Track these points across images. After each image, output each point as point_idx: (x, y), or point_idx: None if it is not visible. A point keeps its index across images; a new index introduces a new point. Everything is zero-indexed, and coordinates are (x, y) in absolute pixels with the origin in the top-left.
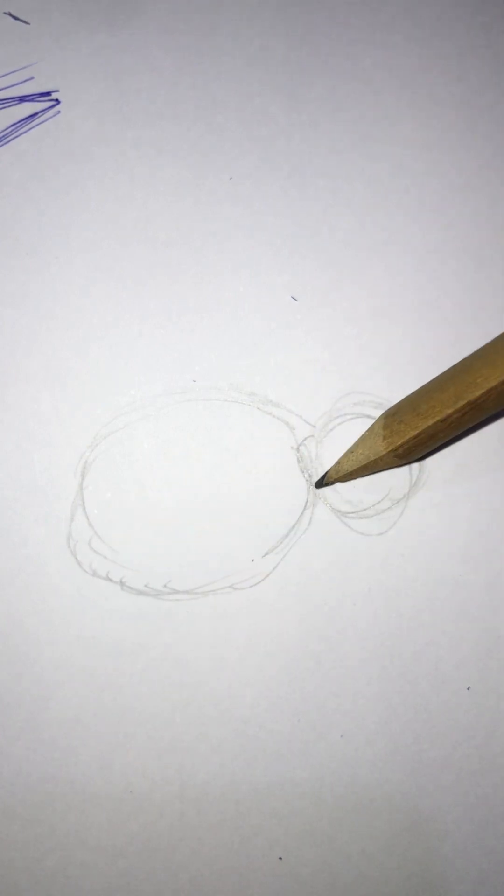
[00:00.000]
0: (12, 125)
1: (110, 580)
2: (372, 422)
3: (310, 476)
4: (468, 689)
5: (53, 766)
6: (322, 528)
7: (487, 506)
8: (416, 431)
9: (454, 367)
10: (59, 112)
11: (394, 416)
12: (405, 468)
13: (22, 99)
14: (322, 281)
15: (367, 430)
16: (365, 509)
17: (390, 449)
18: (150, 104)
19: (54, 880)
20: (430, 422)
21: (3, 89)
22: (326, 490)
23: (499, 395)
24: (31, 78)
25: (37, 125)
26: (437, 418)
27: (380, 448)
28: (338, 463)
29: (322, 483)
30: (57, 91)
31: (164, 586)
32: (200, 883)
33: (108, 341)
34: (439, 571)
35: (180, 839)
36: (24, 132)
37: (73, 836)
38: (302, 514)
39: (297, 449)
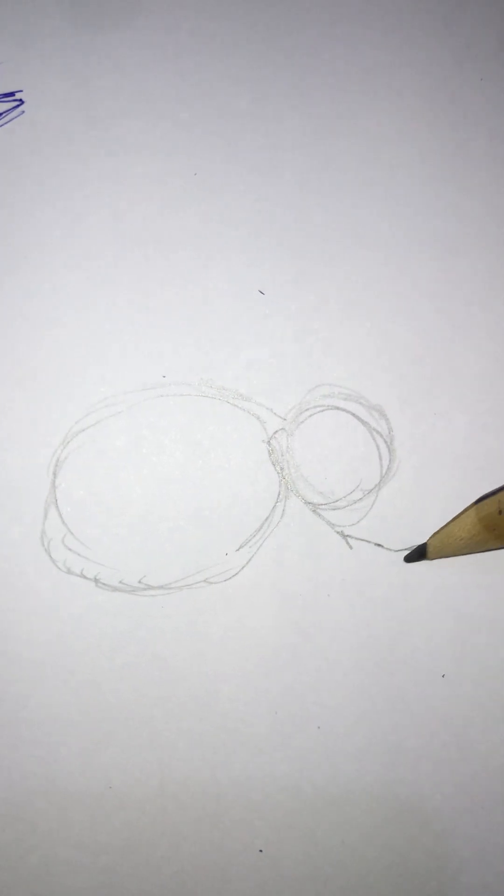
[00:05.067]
0: None
1: (85, 577)
2: (342, 413)
3: (281, 469)
4: (443, 676)
5: (33, 763)
6: (295, 520)
7: (457, 494)
8: None
9: None
10: (23, 112)
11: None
12: (375, 457)
13: None
14: (289, 275)
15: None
16: (337, 500)
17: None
18: (114, 102)
19: (37, 878)
20: None
21: None
22: (298, 482)
23: None
24: None
25: (2, 125)
26: None
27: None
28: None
29: (418, 557)
30: (21, 91)
31: (139, 582)
32: (182, 877)
33: (78, 339)
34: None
35: (161, 834)
36: None
37: (55, 834)
38: (274, 506)
39: (269, 442)
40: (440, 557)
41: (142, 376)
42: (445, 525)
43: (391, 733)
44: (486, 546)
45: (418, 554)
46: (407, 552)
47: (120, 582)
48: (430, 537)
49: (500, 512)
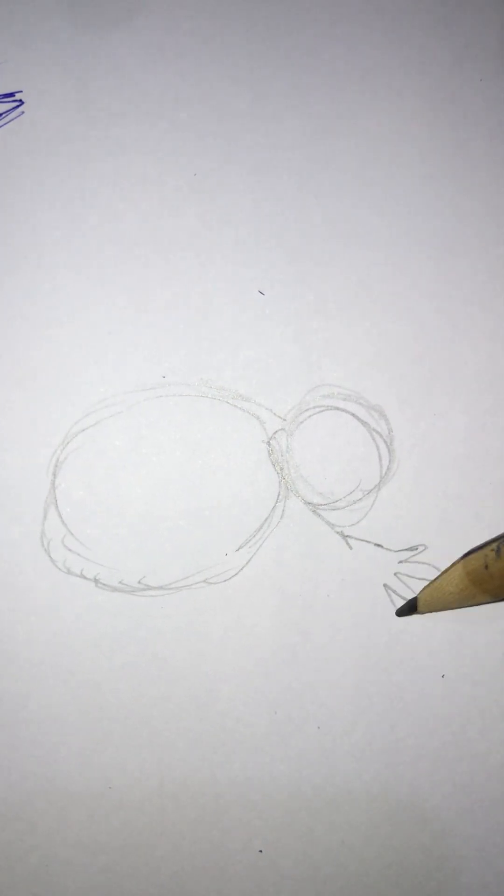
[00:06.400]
0: None
1: (84, 578)
2: (341, 413)
3: (281, 469)
4: (443, 676)
5: (33, 763)
6: (294, 520)
7: (456, 494)
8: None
9: None
10: (23, 112)
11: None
12: (374, 455)
13: None
14: (288, 274)
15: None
16: (336, 500)
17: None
18: (113, 102)
19: (37, 878)
20: None
21: None
22: (298, 482)
23: None
24: None
25: (2, 125)
26: None
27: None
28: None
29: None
30: (21, 91)
31: (139, 582)
32: (182, 877)
33: (78, 339)
34: (411, 560)
35: (160, 834)
36: None
37: (54, 834)
38: (274, 506)
39: (268, 442)
40: (431, 611)
41: (141, 376)
42: (435, 579)
43: (390, 733)
44: (474, 601)
45: (409, 608)
46: (404, 606)
47: (120, 582)
48: (421, 591)
49: (486, 567)
